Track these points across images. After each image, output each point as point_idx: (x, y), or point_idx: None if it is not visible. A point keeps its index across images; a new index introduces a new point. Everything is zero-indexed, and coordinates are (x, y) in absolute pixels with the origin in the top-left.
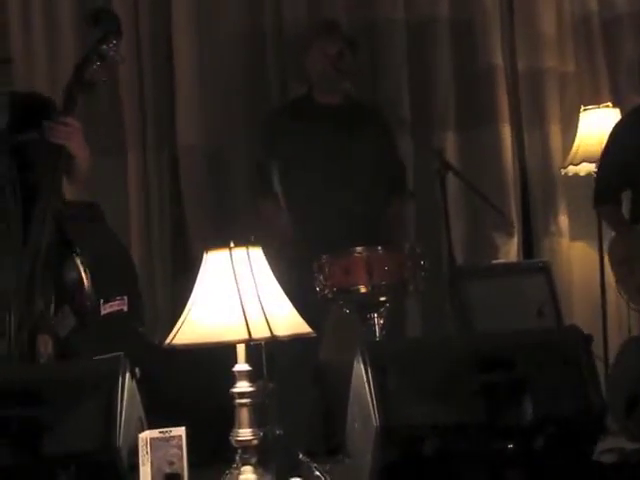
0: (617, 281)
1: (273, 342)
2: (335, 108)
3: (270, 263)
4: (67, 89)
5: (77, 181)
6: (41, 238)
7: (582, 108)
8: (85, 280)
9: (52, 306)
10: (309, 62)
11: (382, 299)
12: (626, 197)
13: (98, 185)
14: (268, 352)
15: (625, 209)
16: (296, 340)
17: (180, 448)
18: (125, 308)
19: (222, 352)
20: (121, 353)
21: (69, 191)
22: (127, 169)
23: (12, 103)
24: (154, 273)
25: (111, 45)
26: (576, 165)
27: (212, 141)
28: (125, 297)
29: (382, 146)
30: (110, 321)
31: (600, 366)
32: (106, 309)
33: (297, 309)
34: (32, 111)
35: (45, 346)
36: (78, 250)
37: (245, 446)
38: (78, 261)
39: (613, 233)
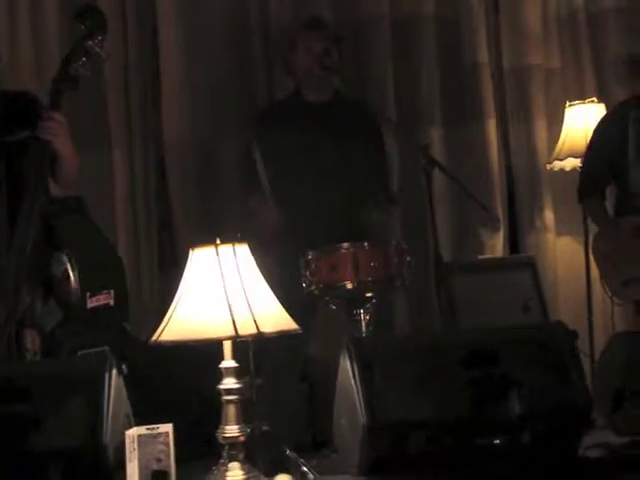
0: (601, 276)
1: (260, 339)
2: (323, 105)
3: (257, 259)
4: (53, 85)
5: (64, 181)
6: (27, 234)
7: (567, 103)
8: (71, 274)
9: (39, 300)
10: (295, 60)
11: (368, 295)
12: (610, 192)
13: (84, 180)
14: (256, 348)
15: (609, 204)
16: (283, 336)
17: (167, 445)
18: (111, 302)
19: (209, 348)
20: (106, 348)
21: (54, 186)
22: (113, 165)
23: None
24: (140, 269)
25: (97, 41)
26: (561, 160)
27: (198, 137)
28: (111, 291)
29: (369, 143)
30: (96, 314)
31: (586, 361)
32: (92, 302)
33: (285, 305)
34: (20, 109)
35: (32, 341)
36: (64, 244)
37: (232, 442)
38: (64, 255)
39: (597, 228)
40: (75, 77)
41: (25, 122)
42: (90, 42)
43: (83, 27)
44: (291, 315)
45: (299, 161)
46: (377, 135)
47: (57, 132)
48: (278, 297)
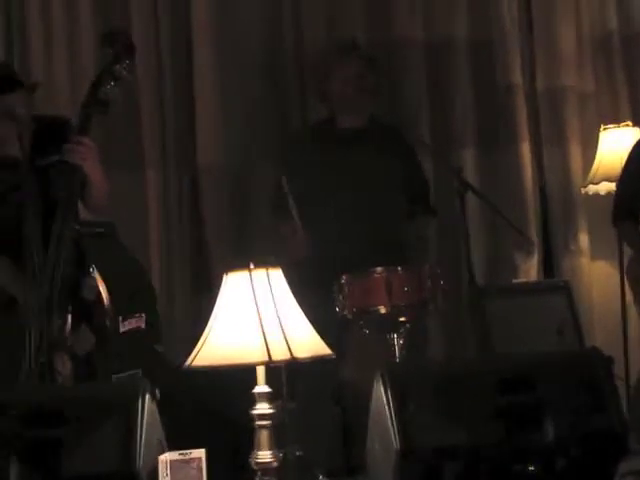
0: (635, 299)
1: (293, 364)
2: (358, 131)
3: (289, 282)
4: (82, 109)
5: (94, 206)
6: (59, 258)
7: (602, 127)
8: (103, 298)
9: (70, 325)
10: (330, 86)
11: (402, 319)
12: None
13: (118, 203)
14: (288, 371)
15: None
16: (316, 360)
17: (200, 470)
18: (143, 325)
19: (242, 372)
20: (139, 371)
21: (84, 210)
22: (147, 187)
23: (34, 127)
24: (174, 293)
25: (124, 65)
26: (596, 184)
27: (232, 160)
28: (143, 314)
29: (406, 168)
30: (128, 338)
31: (622, 386)
32: (125, 326)
33: (317, 327)
34: (51, 133)
35: (63, 365)
36: (95, 268)
37: (265, 468)
38: (96, 279)
39: (631, 251)
40: (104, 101)
41: (57, 146)
42: (118, 66)
43: (111, 51)
44: (324, 339)
45: (332, 186)
46: (413, 156)
47: (86, 156)
48: (311, 321)
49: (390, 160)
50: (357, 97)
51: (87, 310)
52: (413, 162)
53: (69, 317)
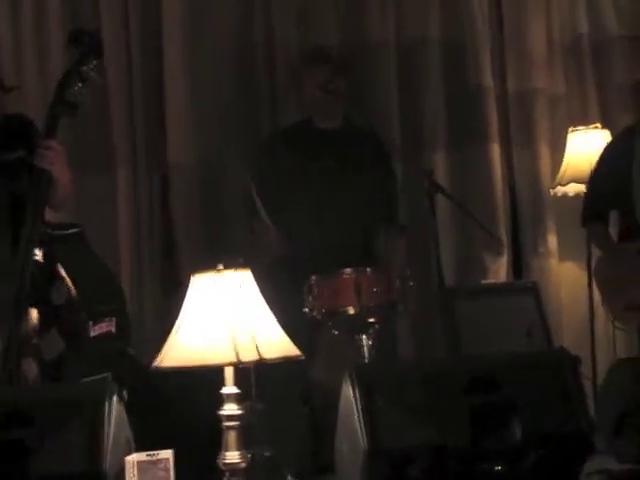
0: (603, 300)
1: (261, 365)
2: (333, 133)
3: (260, 282)
4: (49, 112)
5: (57, 205)
6: (26, 262)
7: (570, 129)
8: (73, 302)
9: (38, 329)
10: (303, 91)
11: (371, 320)
12: (614, 218)
13: (87, 204)
14: (257, 372)
15: (612, 230)
16: (285, 361)
17: (167, 471)
18: (113, 329)
19: (211, 373)
20: (108, 374)
21: (51, 212)
22: (116, 189)
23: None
24: (143, 294)
25: (92, 66)
26: (564, 185)
27: (203, 159)
28: (113, 318)
29: (378, 173)
30: (99, 343)
31: (588, 386)
32: (95, 331)
33: (288, 329)
34: (15, 130)
35: (29, 370)
36: (65, 272)
37: (233, 469)
38: (65, 283)
39: (599, 252)
40: (72, 103)
41: (21, 142)
42: (85, 67)
43: (77, 51)
44: (293, 340)
45: (307, 186)
46: (387, 162)
47: (54, 160)
48: (280, 322)
49: (360, 165)
50: (324, 99)
51: (56, 314)
52: (384, 170)
53: (37, 321)
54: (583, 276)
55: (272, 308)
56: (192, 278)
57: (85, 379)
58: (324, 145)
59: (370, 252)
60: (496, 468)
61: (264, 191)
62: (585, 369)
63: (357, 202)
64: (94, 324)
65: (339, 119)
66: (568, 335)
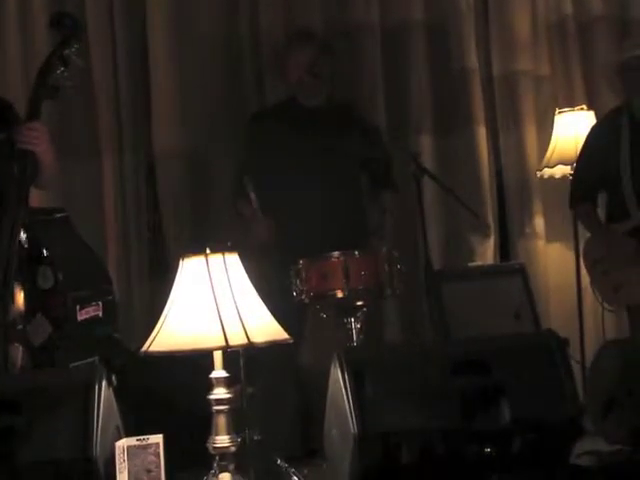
0: (591, 281)
1: (250, 349)
2: (318, 111)
3: (250, 266)
4: (31, 95)
5: (43, 186)
6: (11, 247)
7: (557, 110)
8: (59, 287)
9: (25, 315)
10: (287, 73)
11: (359, 303)
12: (601, 199)
13: (73, 189)
14: (247, 356)
15: (600, 211)
16: (275, 345)
17: (158, 456)
18: (100, 314)
19: (200, 357)
20: (96, 359)
21: (36, 197)
22: (103, 173)
23: None
24: (130, 278)
25: (73, 49)
26: (551, 167)
27: (189, 144)
28: (100, 302)
29: (364, 147)
30: (85, 327)
31: (577, 368)
32: (82, 315)
33: (277, 312)
34: None
35: (16, 356)
36: (50, 257)
37: (222, 453)
38: (51, 268)
39: (588, 234)
40: (54, 86)
41: (1, 124)
42: (67, 50)
43: (59, 35)
44: (282, 324)
45: (293, 164)
46: (371, 133)
47: (38, 141)
48: (269, 306)
49: (348, 139)
50: (310, 82)
51: (42, 299)
52: (372, 140)
53: (23, 306)
54: (570, 257)
55: (263, 290)
56: (180, 262)
57: (73, 364)
58: (308, 122)
59: (362, 229)
60: (486, 451)
61: (250, 169)
62: (573, 351)
63: (345, 179)
64: (81, 308)
65: (322, 98)
66: (556, 317)
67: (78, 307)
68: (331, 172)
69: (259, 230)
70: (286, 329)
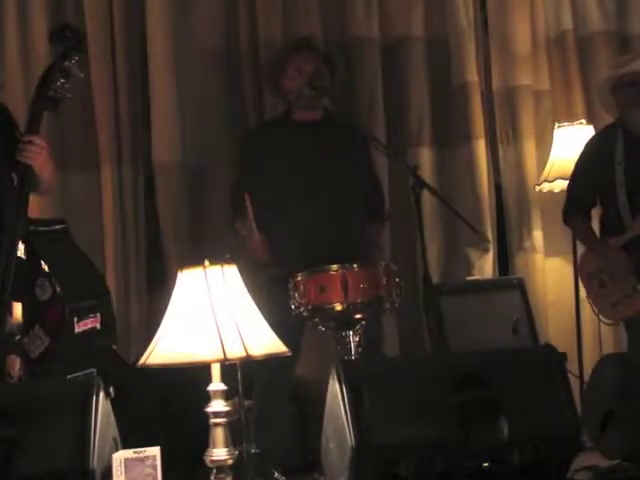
0: (588, 295)
1: (248, 362)
2: (314, 125)
3: (248, 281)
4: (31, 107)
5: (40, 194)
6: (10, 258)
7: (556, 125)
8: (57, 299)
9: (22, 326)
10: (285, 80)
11: (357, 317)
12: (595, 213)
13: (72, 200)
14: (245, 369)
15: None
16: (273, 358)
17: (155, 468)
18: (98, 325)
19: (198, 370)
20: (93, 370)
21: (35, 208)
22: (102, 185)
23: None
24: (129, 290)
25: (74, 61)
26: (550, 182)
27: (188, 157)
28: (98, 314)
29: (361, 165)
30: (83, 339)
31: (575, 382)
32: (80, 327)
33: (275, 327)
34: None
35: (13, 367)
36: (49, 269)
37: (220, 466)
38: (49, 280)
39: (584, 248)
40: (54, 98)
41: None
42: (67, 62)
43: (60, 47)
44: (281, 337)
45: (289, 180)
46: (367, 155)
47: (37, 155)
48: (267, 319)
49: (342, 158)
50: (310, 94)
51: (40, 311)
52: (366, 162)
53: (21, 317)
54: (569, 272)
55: (262, 305)
56: (179, 274)
57: (70, 375)
58: (303, 136)
59: (358, 243)
60: (484, 465)
61: (247, 185)
62: (571, 365)
63: (341, 194)
64: (78, 320)
65: (319, 112)
66: (554, 331)
67: (76, 319)
68: (327, 187)
69: (253, 246)
70: (285, 343)
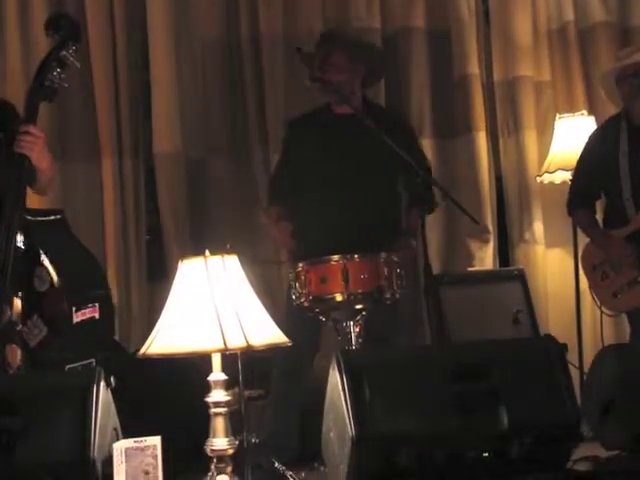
0: (590, 286)
1: (248, 352)
2: (348, 118)
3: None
4: (28, 97)
5: (40, 189)
6: (8, 249)
7: (557, 116)
8: (56, 289)
9: (21, 316)
10: (319, 74)
11: (358, 307)
12: (599, 205)
13: (73, 191)
14: (246, 359)
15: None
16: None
17: (155, 457)
18: (97, 315)
19: (199, 359)
20: (93, 361)
21: (34, 198)
22: (102, 177)
23: None
24: (130, 281)
25: (70, 51)
26: (551, 173)
27: (188, 148)
28: (97, 304)
29: (400, 157)
30: (82, 329)
31: (575, 373)
32: (78, 317)
33: (297, 320)
34: None
35: (13, 357)
36: (47, 259)
37: (220, 455)
38: (47, 270)
39: (587, 239)
40: (51, 88)
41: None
42: (64, 52)
43: (56, 37)
44: (302, 329)
45: (325, 172)
46: (410, 145)
47: (33, 146)
48: (289, 311)
49: (380, 149)
50: (338, 85)
51: (39, 301)
52: (408, 153)
53: (20, 308)
54: (570, 263)
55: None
56: (179, 264)
57: (69, 365)
58: (341, 130)
59: (391, 233)
60: (484, 455)
61: (285, 176)
62: (572, 356)
63: (377, 187)
64: (77, 310)
65: (357, 103)
66: (554, 322)
67: (74, 309)
68: (362, 180)
69: (276, 234)
70: (303, 337)
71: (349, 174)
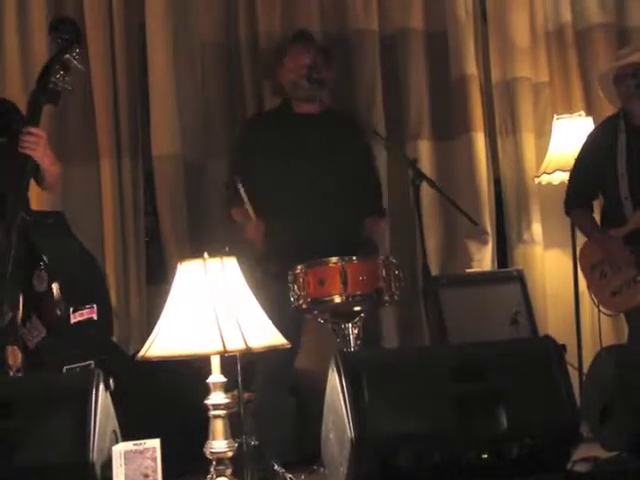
0: (589, 286)
1: (248, 353)
2: (313, 118)
3: (249, 274)
4: (31, 99)
5: (48, 187)
6: (8, 250)
7: (555, 117)
8: (54, 290)
9: (20, 317)
10: (283, 72)
11: (357, 309)
12: (597, 205)
13: (72, 193)
14: (246, 361)
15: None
16: (274, 350)
17: (154, 460)
18: (95, 316)
19: (198, 362)
20: (91, 362)
21: (36, 200)
22: (101, 179)
23: None
24: (128, 283)
25: (74, 54)
26: (549, 174)
27: (187, 150)
28: (94, 305)
29: (360, 159)
30: (80, 330)
31: (574, 374)
32: (76, 317)
33: (276, 320)
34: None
35: (14, 357)
36: (46, 260)
37: (219, 458)
38: (46, 271)
39: (585, 239)
40: (54, 91)
41: (2, 128)
42: (67, 55)
43: (60, 40)
44: (283, 330)
45: (287, 172)
46: (366, 149)
47: (36, 146)
48: (268, 311)
49: (341, 151)
50: (309, 87)
51: (38, 301)
52: (365, 161)
53: (20, 309)
54: (568, 264)
55: (263, 299)
56: (178, 266)
57: (67, 366)
58: (302, 128)
59: (353, 236)
60: (483, 456)
61: (242, 171)
62: (571, 357)
63: (340, 186)
64: (74, 311)
65: (319, 105)
66: (553, 323)
67: (72, 310)
68: (325, 180)
69: (249, 229)
70: (286, 335)
71: (315, 174)
